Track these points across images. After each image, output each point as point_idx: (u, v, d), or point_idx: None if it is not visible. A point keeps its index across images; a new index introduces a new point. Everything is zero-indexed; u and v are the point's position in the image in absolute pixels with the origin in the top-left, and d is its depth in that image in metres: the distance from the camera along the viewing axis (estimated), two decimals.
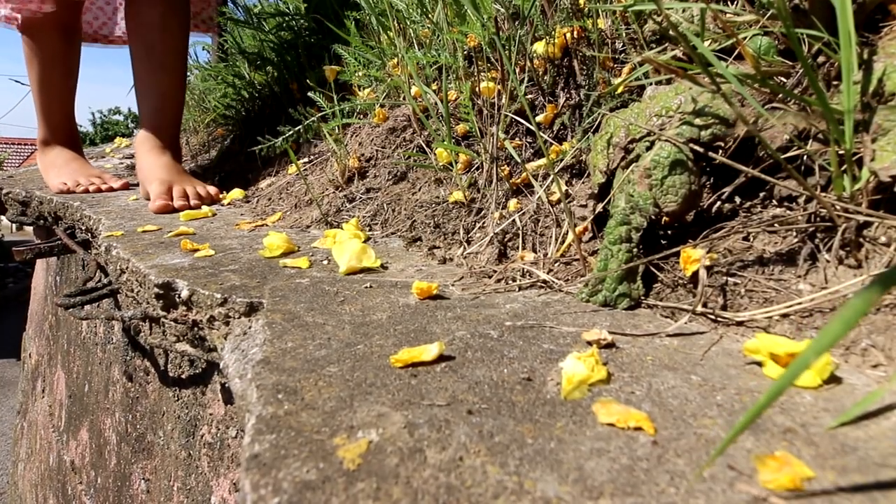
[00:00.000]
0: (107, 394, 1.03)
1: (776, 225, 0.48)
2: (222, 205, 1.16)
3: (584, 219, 0.61)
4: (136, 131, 1.34)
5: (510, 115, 0.79)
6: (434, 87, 0.93)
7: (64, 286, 1.43)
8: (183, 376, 0.73)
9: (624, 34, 0.70)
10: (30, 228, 1.61)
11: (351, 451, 0.27)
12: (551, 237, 0.64)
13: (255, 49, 1.72)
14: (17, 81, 3.67)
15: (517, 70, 0.81)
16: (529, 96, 0.81)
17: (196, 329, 0.58)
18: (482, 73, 0.84)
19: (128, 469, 0.90)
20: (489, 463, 0.26)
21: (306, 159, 1.21)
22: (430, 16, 0.98)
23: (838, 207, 0.43)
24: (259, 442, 0.28)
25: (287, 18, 1.65)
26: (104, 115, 22.51)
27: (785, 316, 0.42)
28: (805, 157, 0.48)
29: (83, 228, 1.08)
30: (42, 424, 1.60)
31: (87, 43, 1.66)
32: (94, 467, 1.09)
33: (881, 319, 0.39)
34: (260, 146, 1.16)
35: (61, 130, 1.49)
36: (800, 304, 0.42)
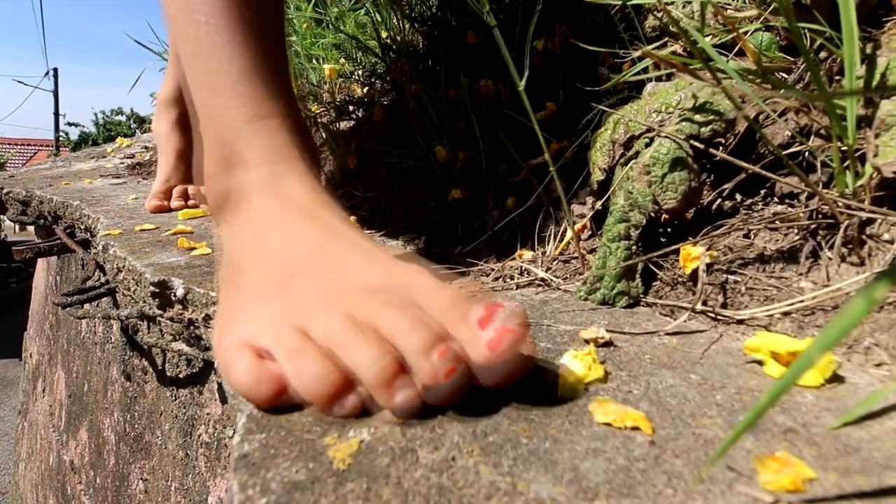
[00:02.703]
0: (106, 393, 1.03)
1: (777, 222, 0.47)
2: None
3: (582, 216, 0.61)
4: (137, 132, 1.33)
5: (509, 111, 0.78)
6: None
7: (64, 285, 1.43)
8: (180, 376, 0.72)
9: (624, 30, 0.70)
10: (32, 228, 1.60)
11: (341, 450, 0.26)
12: (549, 235, 0.63)
13: None
14: (19, 82, 3.68)
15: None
16: (528, 93, 0.80)
17: (192, 328, 0.58)
18: (481, 70, 0.83)
19: (126, 469, 0.90)
20: (482, 463, 0.26)
21: None
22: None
23: (840, 204, 0.43)
24: (248, 441, 0.27)
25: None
26: (107, 116, 22.50)
27: (786, 314, 0.42)
28: (807, 154, 0.48)
29: (82, 227, 1.07)
30: (42, 424, 1.60)
31: None
32: (93, 467, 1.08)
33: (885, 317, 0.38)
34: None
35: None
36: (801, 302, 0.41)
